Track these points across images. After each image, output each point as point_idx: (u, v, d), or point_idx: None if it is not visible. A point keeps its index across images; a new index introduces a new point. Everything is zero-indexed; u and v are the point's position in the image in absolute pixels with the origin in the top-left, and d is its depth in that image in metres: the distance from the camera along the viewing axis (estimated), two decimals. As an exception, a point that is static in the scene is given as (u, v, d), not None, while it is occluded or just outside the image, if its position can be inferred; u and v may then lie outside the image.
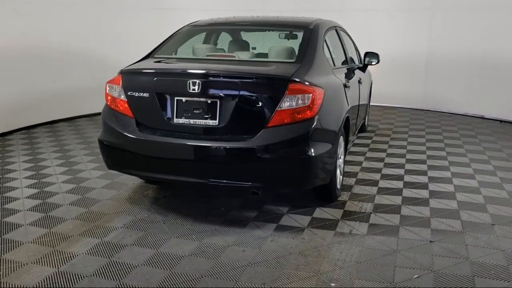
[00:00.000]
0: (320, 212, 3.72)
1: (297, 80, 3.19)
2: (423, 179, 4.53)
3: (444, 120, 7.57)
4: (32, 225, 3.48)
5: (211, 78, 3.30)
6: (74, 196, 4.05)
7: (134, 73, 3.56)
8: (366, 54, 5.33)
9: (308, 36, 3.87)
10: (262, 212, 3.73)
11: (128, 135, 3.42)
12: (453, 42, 7.89)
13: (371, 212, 3.72)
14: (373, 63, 5.35)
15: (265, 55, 4.10)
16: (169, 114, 3.36)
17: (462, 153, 5.50)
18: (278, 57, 3.81)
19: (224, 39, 4.67)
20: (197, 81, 3.23)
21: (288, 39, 4.39)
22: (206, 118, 3.28)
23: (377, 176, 4.61)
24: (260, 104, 3.21)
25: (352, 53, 5.32)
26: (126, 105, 3.48)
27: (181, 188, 4.25)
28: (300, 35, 4.01)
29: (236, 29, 4.68)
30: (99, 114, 3.95)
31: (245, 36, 4.72)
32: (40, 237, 3.28)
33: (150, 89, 3.39)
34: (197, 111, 3.30)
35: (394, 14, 8.41)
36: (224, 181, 3.30)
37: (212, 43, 4.54)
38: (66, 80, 7.25)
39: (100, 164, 4.96)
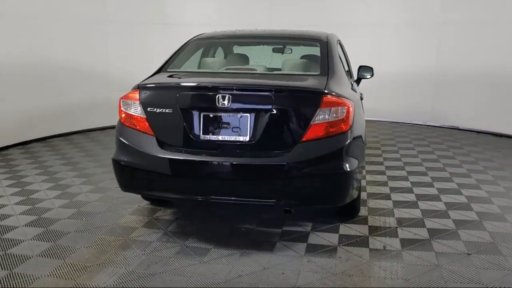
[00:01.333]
0: (346, 229, 3.61)
1: (331, 93, 3.09)
2: (432, 190, 4.53)
3: (450, 136, 7.45)
4: (41, 255, 3.15)
5: (242, 92, 3.14)
6: (78, 222, 3.73)
7: (155, 88, 3.34)
8: (360, 68, 5.32)
9: (325, 48, 3.79)
10: (285, 231, 3.58)
11: (150, 154, 3.18)
12: (461, 57, 7.73)
13: (396, 227, 3.65)
14: (367, 77, 5.34)
15: (280, 68, 3.98)
16: (195, 131, 3.16)
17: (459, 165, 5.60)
18: (299, 70, 3.70)
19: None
20: (227, 95, 3.06)
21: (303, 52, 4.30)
22: (236, 134, 3.11)
23: (386, 190, 4.57)
24: (294, 118, 3.08)
25: (349, 67, 5.31)
26: (145, 122, 3.24)
27: (191, 208, 4.02)
28: (313, 48, 3.94)
29: (246, 42, 4.54)
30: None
31: (254, 49, 4.60)
32: (55, 269, 2.96)
33: (173, 104, 3.18)
34: (226, 127, 3.12)
35: (402, 29, 8.29)
36: (257, 199, 3.13)
37: (223, 56, 4.38)
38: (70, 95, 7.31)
39: (93, 185, 4.64)
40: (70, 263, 3.04)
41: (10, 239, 3.40)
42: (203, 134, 3.15)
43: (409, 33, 8.18)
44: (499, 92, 7.31)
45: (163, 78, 3.54)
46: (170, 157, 3.15)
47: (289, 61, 3.87)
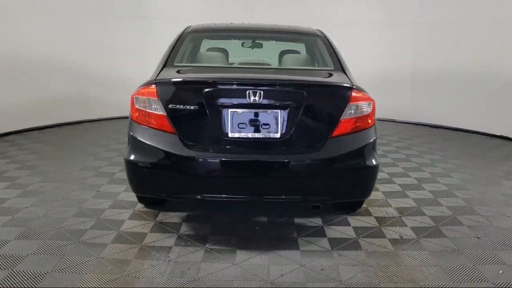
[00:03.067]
0: (355, 221, 3.69)
1: (358, 88, 3.14)
2: (411, 180, 4.80)
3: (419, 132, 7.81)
4: (55, 271, 2.82)
5: (274, 88, 3.06)
6: (77, 230, 3.39)
7: (178, 84, 3.13)
8: None
9: (328, 43, 3.83)
10: (298, 227, 3.57)
11: (174, 153, 2.99)
12: (437, 56, 7.95)
13: (400, 216, 3.81)
14: None
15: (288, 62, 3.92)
16: (223, 128, 3.02)
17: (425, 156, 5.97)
18: (310, 64, 3.69)
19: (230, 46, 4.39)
20: (258, 91, 2.97)
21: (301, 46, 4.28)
22: (266, 131, 3.03)
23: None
24: (324, 113, 3.09)
25: None
26: (166, 120, 3.03)
27: (194, 208, 3.85)
28: (314, 42, 3.95)
29: (242, 36, 4.41)
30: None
31: (246, 43, 4.48)
32: (82, 282, 2.67)
33: (199, 100, 3.01)
34: (255, 123, 3.03)
35: (378, 28, 8.44)
36: (290, 197, 3.09)
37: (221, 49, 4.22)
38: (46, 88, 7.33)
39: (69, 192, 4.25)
40: (96, 277, 2.76)
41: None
42: (231, 131, 3.02)
43: (387, 32, 8.42)
44: (473, 90, 7.53)
45: (181, 74, 3.34)
46: (198, 156, 2.98)
47: (292, 56, 3.84)
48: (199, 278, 2.77)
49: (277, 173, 3.02)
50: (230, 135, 3.02)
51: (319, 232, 3.48)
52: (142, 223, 3.55)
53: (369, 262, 3.02)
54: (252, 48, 4.71)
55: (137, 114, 3.11)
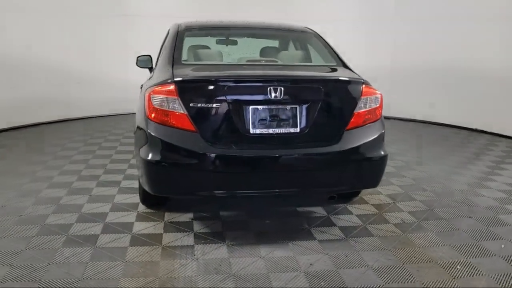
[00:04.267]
0: (356, 210, 3.88)
1: (367, 82, 3.31)
2: (389, 169, 5.09)
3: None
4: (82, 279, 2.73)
5: (293, 84, 3.15)
6: (87, 235, 3.28)
7: (198, 82, 3.11)
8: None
9: (322, 39, 3.98)
10: (307, 218, 3.70)
11: (198, 152, 2.99)
12: (416, 52, 8.09)
13: (394, 202, 4.07)
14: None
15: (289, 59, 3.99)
16: (244, 125, 3.06)
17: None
18: (313, 60, 3.80)
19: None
20: (279, 87, 3.04)
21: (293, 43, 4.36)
22: (286, 126, 3.11)
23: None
24: (340, 108, 3.22)
25: None
26: (187, 119, 3.01)
27: (198, 206, 3.83)
28: (307, 38, 4.08)
29: (236, 33, 4.42)
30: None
31: (240, 40, 4.50)
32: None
33: (220, 98, 3.02)
34: (275, 119, 3.10)
35: (358, 25, 8.52)
36: (312, 188, 3.20)
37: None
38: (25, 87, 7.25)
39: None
40: (131, 280, 2.70)
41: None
42: (252, 128, 3.07)
43: (366, 29, 8.56)
44: (451, 85, 7.73)
45: (197, 72, 3.33)
46: (222, 154, 3.00)
47: (289, 53, 3.93)
48: (234, 273, 2.80)
49: (300, 167, 3.12)
50: (251, 131, 3.06)
51: (328, 222, 3.62)
52: (153, 224, 3.50)
53: (385, 246, 3.21)
54: (237, 45, 4.74)
55: (154, 113, 3.06)
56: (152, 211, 3.76)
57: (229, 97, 3.03)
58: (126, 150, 5.83)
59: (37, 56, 7.37)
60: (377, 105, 3.30)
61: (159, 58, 3.77)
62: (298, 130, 3.12)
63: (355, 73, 3.46)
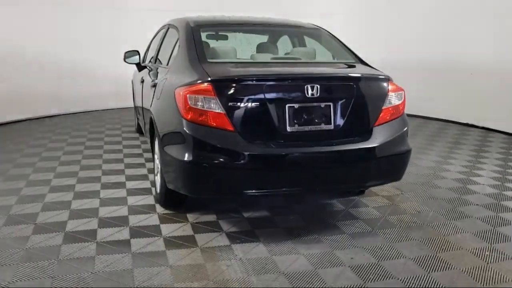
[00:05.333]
0: (370, 202, 4.00)
1: (391, 79, 3.41)
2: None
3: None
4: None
5: (328, 82, 3.18)
6: (117, 241, 3.16)
7: (236, 81, 3.05)
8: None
9: (334, 36, 4.04)
10: (328, 213, 3.78)
11: (238, 151, 2.96)
12: (408, 47, 8.09)
13: (402, 193, 4.23)
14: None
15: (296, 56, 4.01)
16: (282, 123, 3.07)
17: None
18: (333, 57, 3.85)
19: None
20: (315, 85, 3.07)
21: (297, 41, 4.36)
22: (321, 123, 3.15)
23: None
24: (370, 104, 3.30)
25: None
26: (225, 118, 2.98)
27: (218, 205, 3.79)
28: (317, 35, 4.13)
29: (247, 29, 4.36)
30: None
31: (245, 37, 4.45)
32: None
33: (259, 97, 3.01)
34: (310, 117, 3.13)
35: (351, 19, 8.48)
36: (348, 184, 3.27)
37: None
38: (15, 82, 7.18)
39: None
40: (186, 285, 2.64)
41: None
42: (289, 126, 3.09)
43: (360, 23, 8.59)
44: (440, 80, 7.84)
45: (232, 70, 3.28)
46: (262, 152, 3.00)
47: (307, 50, 3.96)
48: (283, 272, 2.81)
49: (337, 163, 3.17)
50: (288, 129, 3.08)
51: (349, 215, 3.72)
52: (180, 226, 3.43)
53: (414, 236, 3.35)
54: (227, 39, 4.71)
55: (191, 113, 2.99)
56: (171, 212, 3.68)
57: (267, 96, 3.02)
58: (114, 148, 5.63)
59: (27, 49, 7.27)
60: (401, 101, 3.42)
61: (177, 56, 3.66)
62: (332, 127, 3.17)
63: (376, 69, 3.55)
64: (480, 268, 2.90)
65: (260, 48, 4.10)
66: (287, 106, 3.07)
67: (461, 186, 4.47)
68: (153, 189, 4.18)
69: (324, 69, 3.55)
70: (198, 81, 3.02)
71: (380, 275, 2.79)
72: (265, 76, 3.14)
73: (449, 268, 2.90)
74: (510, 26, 6.71)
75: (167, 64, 3.98)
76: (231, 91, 3.01)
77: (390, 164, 3.35)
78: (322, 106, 3.15)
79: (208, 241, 3.20)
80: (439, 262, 2.97)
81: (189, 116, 3.00)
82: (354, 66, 3.64)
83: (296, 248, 3.13)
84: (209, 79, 2.99)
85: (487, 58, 7.04)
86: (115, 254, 2.96)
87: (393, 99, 3.36)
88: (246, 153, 2.96)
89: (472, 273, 2.84)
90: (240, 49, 4.03)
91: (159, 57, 4.62)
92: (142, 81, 4.84)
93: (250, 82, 3.06)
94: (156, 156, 3.88)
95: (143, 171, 4.75)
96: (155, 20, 6.17)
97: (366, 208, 3.87)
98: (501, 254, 3.09)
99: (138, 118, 6.00)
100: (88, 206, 3.75)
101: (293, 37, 4.45)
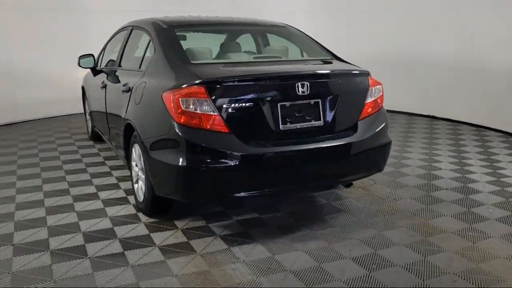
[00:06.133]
0: (347, 194, 4.13)
1: (370, 73, 3.53)
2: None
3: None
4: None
5: (317, 79, 3.22)
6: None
7: (229, 81, 2.99)
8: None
9: (304, 34, 4.10)
10: (313, 207, 3.85)
11: (235, 152, 2.92)
12: (370, 42, 8.14)
13: (374, 183, 4.40)
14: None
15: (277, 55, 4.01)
16: (275, 122, 3.07)
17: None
18: (309, 55, 3.90)
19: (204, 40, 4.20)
20: (306, 83, 3.11)
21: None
22: (311, 120, 3.20)
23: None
24: (354, 99, 3.39)
25: None
26: (219, 119, 2.93)
27: (198, 209, 3.73)
28: (291, 34, 4.18)
29: (222, 30, 4.28)
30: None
31: (220, 37, 4.36)
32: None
33: (252, 97, 2.99)
34: (300, 114, 3.16)
35: (314, 16, 8.37)
36: (340, 178, 3.35)
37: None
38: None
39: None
40: None
41: None
42: (282, 124, 3.10)
43: (322, 20, 8.54)
44: (403, 74, 7.86)
45: (223, 71, 3.23)
46: (258, 152, 2.99)
47: (283, 48, 3.98)
48: (290, 270, 2.83)
49: (330, 159, 3.22)
50: (281, 127, 3.09)
51: (334, 208, 3.81)
52: (171, 234, 3.33)
53: (399, 223, 3.50)
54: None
55: (184, 116, 2.91)
56: (157, 220, 3.56)
57: (260, 95, 3.02)
58: (72, 158, 5.34)
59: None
60: (380, 95, 3.55)
61: (153, 58, 3.53)
62: (322, 123, 3.23)
63: (354, 64, 3.65)
64: (469, 248, 3.09)
65: (233, 48, 4.06)
66: (279, 104, 3.08)
67: (426, 172, 4.72)
68: (129, 197, 4.02)
69: (312, 66, 3.60)
70: (189, 83, 2.95)
71: (381, 264, 2.89)
72: (258, 75, 3.13)
73: (441, 250, 3.06)
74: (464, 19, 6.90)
75: (139, 68, 3.83)
76: (224, 92, 2.96)
77: (376, 156, 3.47)
78: (312, 103, 3.19)
79: (205, 246, 3.14)
80: (431, 246, 3.12)
81: (182, 120, 2.92)
82: (331, 62, 3.72)
83: (294, 245, 3.15)
84: (201, 80, 2.93)
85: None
86: (114, 269, 2.82)
87: (374, 93, 3.48)
88: (244, 154, 2.94)
89: (463, 253, 3.02)
90: (214, 49, 3.97)
91: (123, 60, 4.43)
92: (104, 86, 4.62)
93: (243, 82, 3.04)
94: (134, 164, 3.73)
95: (112, 180, 4.55)
96: (114, 22, 5.94)
97: (347, 200, 3.98)
98: (482, 233, 3.30)
99: (94, 126, 5.72)
100: (66, 221, 3.54)
101: (265, 36, 4.45)
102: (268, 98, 3.05)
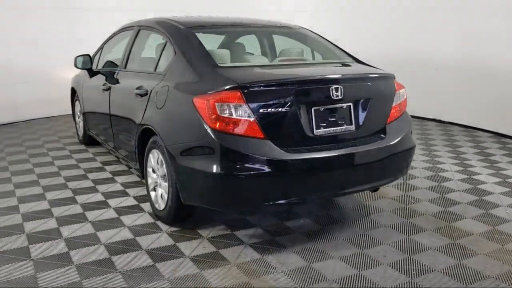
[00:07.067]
0: (359, 196, 4.11)
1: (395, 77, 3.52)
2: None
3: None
4: None
5: (350, 83, 3.16)
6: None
7: (266, 86, 2.89)
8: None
9: (322, 37, 4.05)
10: (337, 211, 3.80)
11: (274, 158, 2.83)
12: (373, 42, 7.93)
13: (386, 185, 4.40)
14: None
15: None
16: (310, 127, 3.00)
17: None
18: (331, 57, 3.84)
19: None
20: (340, 86, 3.06)
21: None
22: (343, 124, 3.14)
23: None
24: (382, 103, 3.35)
25: None
26: (256, 125, 2.83)
27: (219, 217, 3.61)
28: (309, 36, 4.12)
29: (240, 31, 4.16)
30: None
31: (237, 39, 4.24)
32: None
33: (288, 101, 2.90)
34: (333, 119, 3.10)
35: (315, 16, 8.19)
36: (374, 183, 3.31)
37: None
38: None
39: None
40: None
41: None
42: (316, 129, 3.03)
43: (323, 19, 8.38)
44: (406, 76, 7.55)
45: (259, 74, 3.14)
46: (296, 158, 2.90)
47: (296, 50, 3.91)
48: (331, 279, 2.77)
49: (364, 163, 3.16)
50: (315, 132, 3.03)
51: (354, 213, 3.77)
52: (198, 243, 3.20)
53: (424, 226, 3.50)
54: None
55: (219, 122, 2.80)
56: (178, 228, 3.43)
57: (295, 99, 2.94)
58: (68, 164, 5.09)
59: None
60: (404, 99, 3.53)
61: (175, 61, 3.38)
62: (354, 127, 3.18)
63: (377, 67, 3.63)
64: (499, 251, 3.12)
65: (252, 50, 3.96)
66: (313, 109, 3.01)
67: (433, 174, 4.76)
68: (142, 205, 3.86)
69: (343, 69, 3.55)
70: (225, 88, 2.83)
71: (420, 270, 2.87)
72: (294, 79, 3.05)
73: (474, 254, 3.07)
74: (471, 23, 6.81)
75: (155, 70, 3.68)
76: (260, 96, 2.87)
77: (402, 160, 3.45)
78: (344, 107, 3.14)
79: (237, 256, 3.03)
80: (463, 249, 3.13)
81: (217, 125, 2.81)
82: (351, 65, 3.68)
83: (326, 251, 3.10)
84: (237, 85, 2.82)
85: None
86: (151, 283, 2.67)
87: (399, 97, 3.46)
88: (282, 160, 2.85)
89: (496, 256, 3.04)
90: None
91: (130, 62, 4.24)
92: (108, 89, 4.41)
93: (279, 86, 2.94)
94: (150, 170, 3.58)
95: (117, 186, 4.36)
96: (113, 20, 5.74)
97: (364, 203, 3.97)
98: (507, 235, 3.34)
99: (88, 129, 5.48)
100: (82, 232, 3.35)
101: (286, 38, 4.34)
102: (303, 102, 2.98)
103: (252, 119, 2.82)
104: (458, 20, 6.97)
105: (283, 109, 2.90)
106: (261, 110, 2.84)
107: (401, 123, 3.45)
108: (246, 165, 2.82)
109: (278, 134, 2.91)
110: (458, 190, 4.28)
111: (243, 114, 2.81)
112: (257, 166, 2.83)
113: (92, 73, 5.08)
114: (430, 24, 7.32)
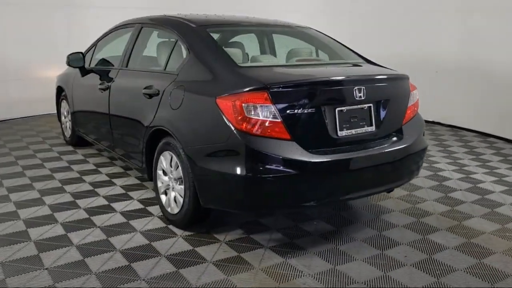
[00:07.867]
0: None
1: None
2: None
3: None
4: None
5: (371, 84, 3.15)
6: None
7: (292, 86, 2.83)
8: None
9: (330, 37, 4.03)
10: (347, 212, 3.80)
11: (301, 160, 2.78)
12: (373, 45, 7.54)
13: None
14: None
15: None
16: (333, 128, 2.97)
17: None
18: (343, 58, 3.81)
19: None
20: (363, 87, 3.04)
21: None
22: (364, 126, 3.13)
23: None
24: (399, 104, 3.36)
25: None
26: (283, 126, 2.78)
27: (232, 221, 3.54)
28: (319, 37, 4.09)
29: (254, 30, 4.09)
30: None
31: (246, 38, 4.15)
32: None
33: (313, 102, 2.86)
34: (355, 120, 3.09)
35: (317, 17, 7.99)
36: (393, 183, 3.31)
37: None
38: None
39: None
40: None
41: None
42: (339, 130, 3.01)
43: (324, 21, 8.00)
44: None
45: (285, 75, 3.10)
46: (322, 160, 2.87)
47: (308, 50, 3.88)
48: (359, 281, 2.75)
49: (385, 164, 3.16)
50: (339, 134, 3.01)
51: (366, 213, 3.78)
52: (217, 247, 3.12)
53: (437, 225, 3.54)
54: None
55: (245, 123, 2.73)
56: (192, 232, 3.33)
57: (320, 100, 2.92)
58: (60, 166, 4.88)
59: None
60: (417, 99, 3.56)
61: (189, 60, 3.29)
62: (374, 128, 3.18)
63: (390, 68, 3.64)
64: (513, 248, 3.18)
65: (266, 49, 3.91)
66: (336, 110, 2.98)
67: (432, 173, 4.83)
68: (149, 208, 3.74)
69: (363, 70, 3.53)
70: (251, 88, 2.77)
71: (444, 270, 2.89)
72: (320, 80, 3.01)
73: (491, 252, 3.12)
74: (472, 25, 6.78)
75: (165, 69, 3.57)
76: (287, 97, 2.82)
77: (417, 160, 3.47)
78: (365, 108, 3.13)
79: (260, 260, 2.98)
80: (479, 248, 3.18)
81: (243, 127, 2.74)
82: (362, 66, 3.68)
83: (347, 253, 3.08)
84: (264, 85, 2.76)
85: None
86: (179, 291, 2.58)
87: (414, 97, 3.48)
88: (309, 162, 2.81)
89: (512, 254, 3.10)
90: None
91: (131, 60, 4.10)
92: (107, 88, 4.25)
93: (306, 87, 2.90)
94: (160, 172, 3.47)
95: (118, 189, 4.21)
96: (111, 18, 5.54)
97: (373, 203, 3.98)
98: (517, 234, 3.42)
99: (78, 129, 5.28)
100: (93, 238, 3.21)
101: (296, 38, 4.28)
102: (327, 103, 2.95)
103: (278, 120, 2.77)
104: (458, 21, 6.97)
105: (309, 110, 2.86)
106: (287, 111, 2.80)
107: (415, 123, 3.48)
108: (273, 167, 2.76)
109: (303, 135, 2.87)
110: (460, 189, 4.35)
111: (269, 115, 2.75)
112: (284, 168, 2.77)
113: (84, 71, 4.89)
114: (430, 27, 7.29)
